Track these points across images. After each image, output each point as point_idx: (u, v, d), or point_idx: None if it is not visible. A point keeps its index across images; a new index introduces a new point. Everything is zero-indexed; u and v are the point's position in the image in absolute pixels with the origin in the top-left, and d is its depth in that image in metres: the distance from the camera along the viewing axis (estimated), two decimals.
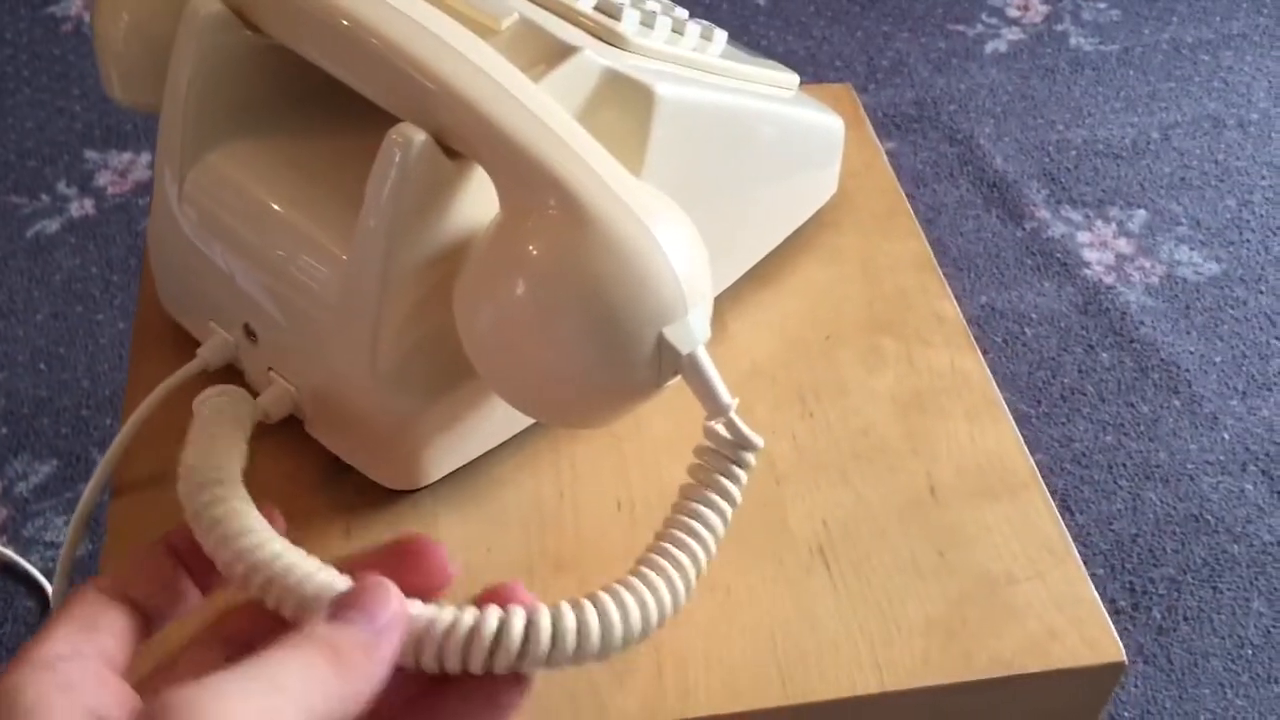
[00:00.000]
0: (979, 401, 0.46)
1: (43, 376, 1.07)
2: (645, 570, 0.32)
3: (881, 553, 0.42)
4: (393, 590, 0.28)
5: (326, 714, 0.26)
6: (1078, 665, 0.39)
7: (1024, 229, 1.23)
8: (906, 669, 0.39)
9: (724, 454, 0.34)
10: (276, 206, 0.41)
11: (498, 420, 0.43)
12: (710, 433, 0.35)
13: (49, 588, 0.92)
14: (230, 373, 0.44)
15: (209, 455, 0.33)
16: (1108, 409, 1.07)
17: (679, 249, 0.35)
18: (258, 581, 0.30)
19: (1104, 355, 1.12)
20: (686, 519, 0.34)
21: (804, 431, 0.45)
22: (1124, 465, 1.03)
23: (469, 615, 0.29)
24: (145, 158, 1.28)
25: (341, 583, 0.29)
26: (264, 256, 0.41)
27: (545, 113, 0.36)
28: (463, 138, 0.36)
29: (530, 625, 0.29)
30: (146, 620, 0.30)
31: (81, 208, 1.22)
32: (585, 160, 0.35)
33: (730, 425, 0.34)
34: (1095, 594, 0.41)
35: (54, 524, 0.96)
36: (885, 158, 0.56)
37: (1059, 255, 1.21)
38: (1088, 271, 1.19)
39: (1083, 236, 1.23)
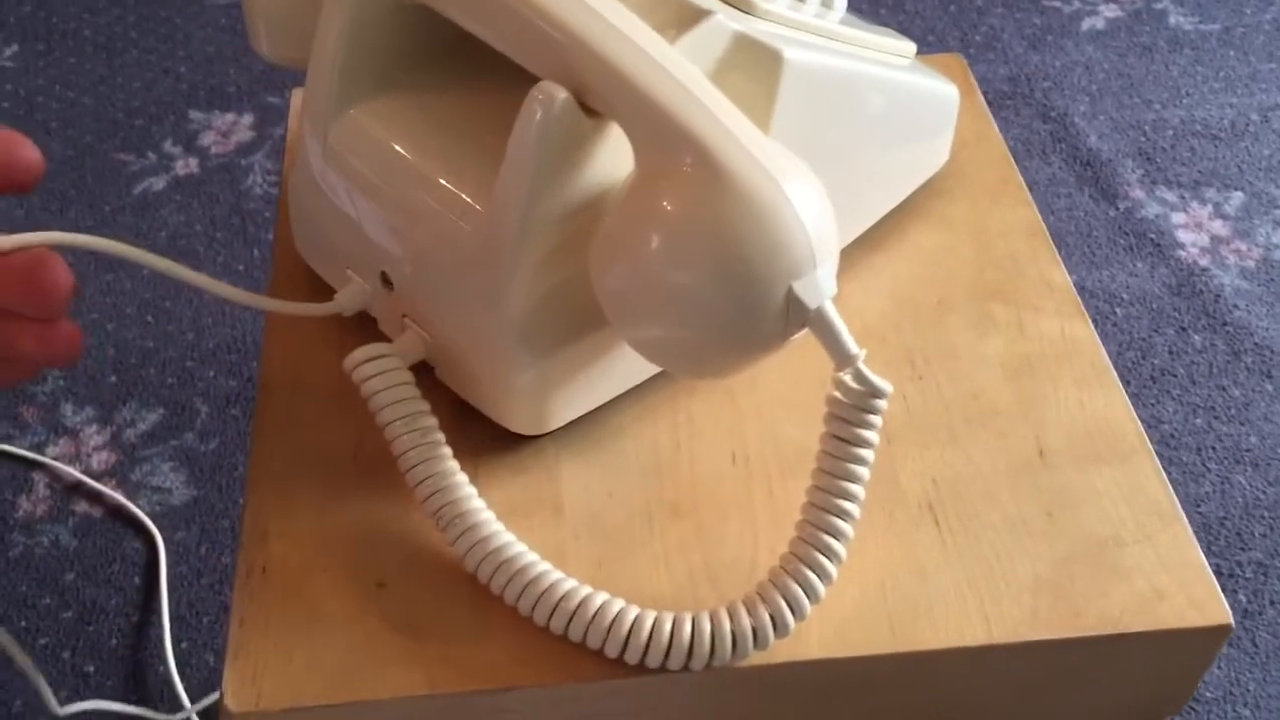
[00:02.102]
0: (1088, 369, 0.47)
1: (149, 328, 1.10)
2: (820, 537, 0.37)
3: (990, 512, 0.43)
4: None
5: None
6: (1184, 626, 0.40)
7: (1117, 209, 1.22)
8: (1014, 623, 0.40)
9: (856, 405, 0.36)
10: (417, 160, 0.43)
11: (619, 372, 0.45)
12: (839, 384, 0.36)
13: (155, 530, 0.95)
14: (363, 318, 0.46)
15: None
16: (1198, 391, 1.07)
17: (809, 206, 0.36)
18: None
19: (1196, 337, 1.11)
20: (842, 481, 0.36)
21: (914, 393, 0.46)
22: (1213, 448, 1.03)
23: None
24: (247, 119, 1.31)
25: None
26: (404, 208, 0.43)
27: (682, 73, 0.37)
28: (602, 96, 0.38)
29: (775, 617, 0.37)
30: None
31: (186, 166, 1.26)
32: (720, 120, 0.37)
33: (858, 375, 0.36)
34: (1203, 558, 0.41)
35: (160, 469, 1.00)
36: (996, 128, 0.57)
37: (1152, 236, 1.20)
38: (1181, 253, 1.18)
39: (1177, 218, 1.22)
